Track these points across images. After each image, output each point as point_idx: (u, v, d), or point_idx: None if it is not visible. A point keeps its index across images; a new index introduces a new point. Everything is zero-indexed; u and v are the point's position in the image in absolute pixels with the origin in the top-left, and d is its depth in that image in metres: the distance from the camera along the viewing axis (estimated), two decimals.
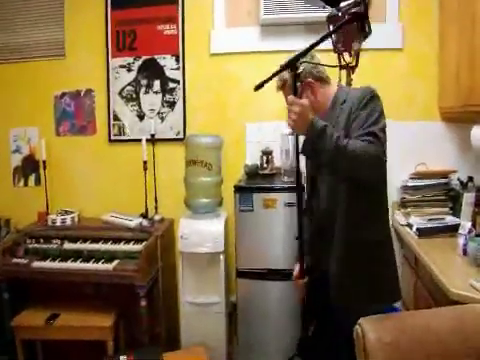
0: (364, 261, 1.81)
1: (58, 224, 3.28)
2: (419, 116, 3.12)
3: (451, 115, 3.00)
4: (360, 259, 1.81)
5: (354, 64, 2.30)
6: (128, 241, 3.09)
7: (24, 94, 3.53)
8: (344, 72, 2.40)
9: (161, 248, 3.09)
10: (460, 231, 2.37)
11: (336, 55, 2.36)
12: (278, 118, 3.16)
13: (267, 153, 3.11)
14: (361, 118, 1.70)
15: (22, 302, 3.07)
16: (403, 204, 3.00)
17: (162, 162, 3.38)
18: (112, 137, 3.46)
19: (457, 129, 3.07)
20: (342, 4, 2.21)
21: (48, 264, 2.94)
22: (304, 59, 1.78)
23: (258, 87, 1.74)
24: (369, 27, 2.28)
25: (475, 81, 2.42)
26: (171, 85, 3.34)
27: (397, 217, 3.03)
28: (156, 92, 3.37)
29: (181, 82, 3.32)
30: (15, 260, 2.99)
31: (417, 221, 2.75)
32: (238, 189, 2.84)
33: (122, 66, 3.38)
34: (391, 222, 3.05)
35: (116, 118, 3.43)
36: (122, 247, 3.04)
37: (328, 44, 2.30)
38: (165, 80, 3.34)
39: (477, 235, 2.31)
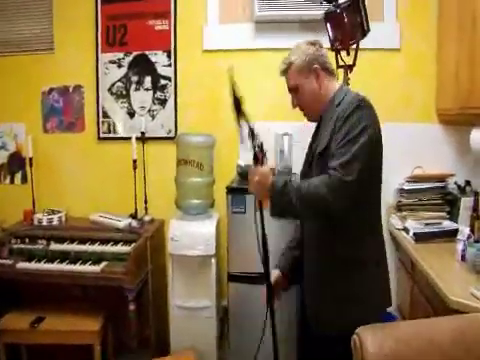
0: (335, 282, 1.74)
1: (44, 224, 3.19)
2: (416, 118, 3.06)
3: (449, 117, 2.93)
4: (330, 279, 1.75)
5: (352, 63, 2.24)
6: (116, 242, 3.01)
7: (11, 89, 3.43)
8: (341, 71, 2.34)
9: (151, 250, 3.02)
10: (459, 237, 2.32)
11: (333, 54, 2.30)
12: (272, 117, 3.10)
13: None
14: (340, 134, 1.62)
15: (6, 304, 2.99)
16: (399, 208, 2.93)
17: (152, 161, 3.30)
18: (101, 135, 3.37)
19: (455, 132, 3.02)
20: (340, 0, 2.14)
21: (33, 265, 2.86)
22: (312, 48, 1.77)
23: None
24: (368, 25, 2.22)
25: (475, 83, 2.36)
26: (162, 82, 3.25)
27: (393, 221, 2.97)
28: (147, 89, 3.28)
29: (173, 79, 3.24)
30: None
31: (413, 225, 2.69)
32: (230, 190, 2.76)
33: (112, 62, 3.28)
34: (386, 226, 3.03)
35: (105, 115, 3.34)
36: (110, 248, 2.96)
37: (325, 42, 2.24)
38: (156, 77, 3.25)
39: (476, 241, 2.25)
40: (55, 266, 2.84)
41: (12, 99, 3.43)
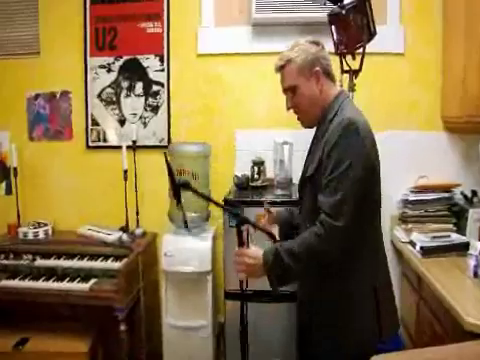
0: (329, 312, 1.64)
1: (30, 237, 3.04)
2: (420, 125, 2.95)
3: (455, 125, 2.82)
4: (324, 309, 1.65)
5: (358, 68, 2.10)
6: (106, 257, 2.86)
7: None
8: (346, 77, 2.20)
9: (143, 266, 2.87)
10: (470, 251, 2.20)
11: (337, 58, 2.16)
12: (270, 125, 2.97)
13: (258, 163, 2.88)
14: (328, 166, 1.51)
15: None
16: (403, 219, 2.83)
17: (144, 171, 3.13)
18: (90, 143, 3.20)
19: (461, 140, 2.91)
20: (346, 1, 2.00)
21: (17, 283, 2.71)
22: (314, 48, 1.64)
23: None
24: (374, 26, 2.09)
25: None
26: (155, 88, 3.09)
27: (397, 233, 2.86)
28: (138, 95, 3.12)
29: (165, 85, 3.08)
30: None
31: (420, 239, 2.58)
32: (228, 203, 2.60)
33: (101, 66, 3.11)
34: (390, 238, 2.94)
35: (95, 123, 3.17)
36: (99, 264, 2.81)
37: (328, 46, 2.10)
38: (148, 82, 3.09)
39: None
40: (41, 284, 2.69)
41: None
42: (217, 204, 1.75)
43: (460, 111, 2.57)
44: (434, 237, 2.56)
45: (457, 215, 2.70)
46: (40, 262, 2.84)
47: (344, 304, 1.60)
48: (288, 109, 1.72)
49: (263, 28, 2.90)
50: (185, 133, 3.10)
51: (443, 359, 1.45)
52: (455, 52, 2.66)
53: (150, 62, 3.07)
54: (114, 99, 3.14)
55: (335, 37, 2.04)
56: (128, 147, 3.04)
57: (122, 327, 2.64)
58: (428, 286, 2.16)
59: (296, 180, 2.61)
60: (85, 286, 2.64)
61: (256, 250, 1.59)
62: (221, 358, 2.90)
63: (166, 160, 1.74)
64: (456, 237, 2.56)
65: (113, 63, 3.10)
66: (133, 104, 3.13)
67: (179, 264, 2.70)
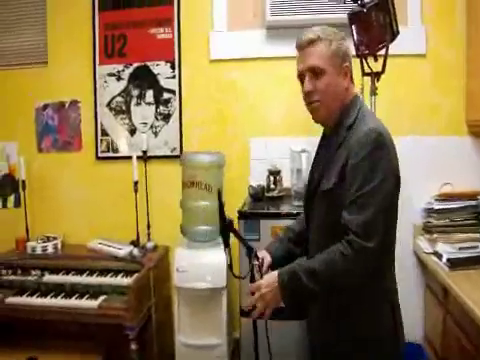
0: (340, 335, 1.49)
1: (38, 252, 2.95)
2: (444, 130, 2.81)
3: None
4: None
5: (381, 70, 1.96)
6: (117, 273, 2.75)
7: (2, 105, 3.19)
8: (367, 80, 2.07)
9: (154, 281, 2.76)
10: None
11: (358, 60, 2.03)
12: (287, 132, 2.84)
13: (275, 173, 2.75)
14: (357, 179, 1.34)
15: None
16: (428, 229, 2.70)
17: (156, 182, 3.02)
18: (100, 154, 3.11)
19: None
20: None
21: (24, 300, 2.62)
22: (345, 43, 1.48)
23: None
24: (397, 26, 1.95)
25: None
26: (166, 95, 2.99)
27: (421, 243, 2.71)
28: (149, 103, 3.01)
29: (177, 92, 2.97)
30: None
31: (446, 250, 2.43)
32: (243, 215, 2.48)
33: (111, 74, 3.02)
34: (412, 248, 2.82)
35: (104, 133, 3.07)
36: (109, 280, 2.71)
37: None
38: (159, 90, 2.99)
39: None
40: (48, 301, 2.59)
41: (3, 116, 3.20)
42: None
43: None
44: (461, 248, 2.41)
45: None
46: (48, 278, 2.76)
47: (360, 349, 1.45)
48: (306, 92, 1.47)
49: (278, 31, 2.78)
50: (198, 142, 2.99)
51: None
52: None
53: (161, 69, 2.97)
54: (124, 108, 3.04)
55: (355, 38, 1.91)
56: (139, 157, 2.94)
57: (133, 346, 2.52)
58: (455, 299, 2.04)
59: None
60: (94, 303, 2.53)
61: (270, 275, 1.46)
62: None
63: (219, 198, 1.59)
64: None
65: (123, 71, 3.01)
66: (143, 113, 3.02)
67: (192, 280, 2.56)
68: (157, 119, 3.01)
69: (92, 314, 2.52)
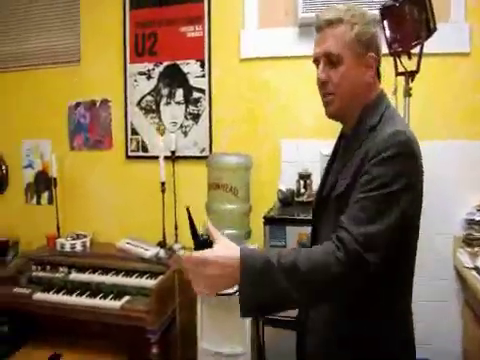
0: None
1: (67, 249, 2.96)
2: None
3: None
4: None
5: (415, 69, 1.81)
6: (142, 274, 2.73)
7: (37, 104, 3.24)
8: (401, 79, 1.91)
9: (179, 284, 2.69)
10: None
11: (391, 58, 1.88)
12: (319, 135, 2.70)
13: (305, 176, 2.62)
14: (371, 182, 1.10)
15: (25, 335, 2.81)
16: (469, 242, 2.51)
17: (184, 183, 2.96)
18: (130, 153, 3.08)
19: None
20: None
21: (51, 297, 2.65)
22: (375, 26, 1.24)
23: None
24: (434, 21, 1.79)
25: None
26: (195, 95, 2.92)
27: (461, 257, 2.52)
28: (178, 103, 2.95)
29: (207, 91, 2.89)
30: (16, 290, 2.73)
31: None
32: (268, 220, 2.37)
33: (141, 73, 2.99)
34: (452, 262, 2.62)
35: (134, 132, 3.05)
36: (134, 281, 2.69)
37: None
38: (189, 89, 2.92)
39: None
40: (73, 299, 2.60)
41: (38, 114, 3.24)
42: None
43: None
44: None
45: None
46: (74, 276, 2.78)
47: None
48: (320, 81, 1.25)
49: (311, 29, 2.61)
50: (227, 143, 2.90)
51: None
52: None
53: (191, 68, 2.90)
54: (154, 107, 3.00)
55: (388, 34, 1.76)
56: (167, 157, 2.89)
57: (154, 350, 2.48)
58: None
59: None
60: (116, 304, 2.52)
61: (226, 249, 1.07)
62: None
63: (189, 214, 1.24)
64: None
65: (153, 69, 2.97)
66: (173, 112, 2.97)
67: None
68: (187, 119, 2.95)
69: (114, 314, 2.51)
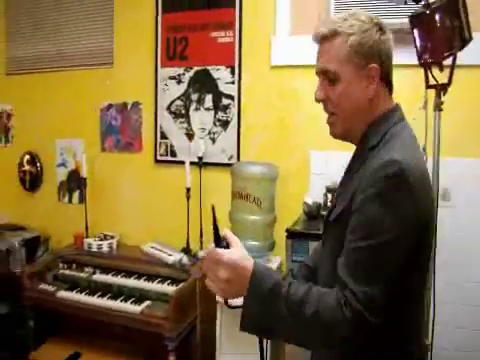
0: None
1: (94, 249, 2.99)
2: None
3: None
4: None
5: (447, 81, 1.69)
6: (165, 279, 2.71)
7: (71, 104, 3.30)
8: (432, 92, 1.79)
9: (201, 293, 2.65)
10: None
11: (422, 70, 1.77)
12: (349, 147, 2.57)
13: (332, 190, 2.52)
14: (359, 225, 1.02)
15: (49, 331, 2.87)
16: None
17: (210, 190, 2.92)
18: (158, 157, 3.07)
19: None
20: None
21: (73, 296, 2.69)
22: (377, 33, 1.11)
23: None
24: (469, 31, 1.66)
25: None
26: (225, 101, 2.86)
27: None
28: (208, 109, 2.91)
29: (236, 98, 2.83)
30: (42, 286, 2.78)
31: None
32: (291, 234, 2.30)
33: (172, 77, 2.97)
34: None
35: (163, 136, 3.04)
36: (155, 286, 2.67)
37: (410, 57, 1.72)
38: (218, 95, 2.87)
39: None
40: (94, 300, 2.62)
41: (72, 114, 3.29)
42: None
43: None
44: None
45: None
46: (98, 276, 2.81)
47: None
48: (317, 100, 1.18)
49: None
50: (256, 151, 2.83)
51: None
52: None
53: (221, 74, 2.85)
54: (183, 112, 2.97)
55: (418, 43, 1.64)
56: (194, 163, 2.87)
57: (172, 358, 2.45)
58: None
59: None
60: (136, 308, 2.51)
61: (242, 258, 1.04)
62: None
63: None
64: None
65: (183, 74, 2.94)
66: (202, 118, 2.93)
67: None
68: (215, 125, 2.90)
69: (134, 319, 2.49)
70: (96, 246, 2.98)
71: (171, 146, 3.03)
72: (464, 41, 1.58)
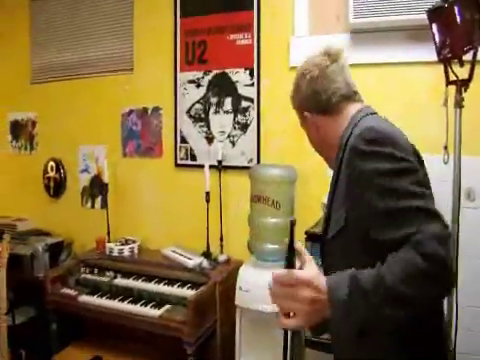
0: None
1: (115, 254, 3.01)
2: None
3: None
4: None
5: (467, 77, 1.63)
6: (184, 283, 2.70)
7: (94, 110, 3.34)
8: (452, 89, 1.73)
9: (221, 296, 2.62)
10: None
11: (441, 67, 1.71)
12: None
13: None
14: (372, 206, 1.01)
15: (72, 334, 2.91)
16: None
17: (230, 193, 2.90)
18: (179, 161, 3.07)
19: None
20: None
21: (94, 300, 2.70)
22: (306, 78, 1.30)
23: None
24: None
25: None
26: (244, 104, 2.84)
27: None
28: (227, 112, 2.90)
29: (255, 101, 2.81)
30: (64, 290, 2.82)
31: None
32: (310, 236, 2.25)
33: (191, 81, 2.97)
34: None
35: (183, 140, 3.04)
36: (175, 290, 2.67)
37: (428, 53, 1.66)
38: (237, 98, 2.86)
39: None
40: (115, 304, 2.64)
41: (95, 121, 3.34)
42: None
43: None
44: None
45: None
46: (119, 281, 2.82)
47: None
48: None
49: (363, 35, 2.46)
50: (276, 154, 2.80)
51: None
52: None
53: (240, 76, 2.83)
54: (203, 116, 2.97)
55: (437, 39, 1.59)
56: (214, 167, 2.85)
57: None
58: None
59: None
60: (156, 312, 2.51)
61: (314, 269, 1.01)
62: None
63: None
64: None
65: (202, 78, 2.94)
66: (222, 121, 2.92)
67: (254, 301, 2.39)
68: (235, 128, 2.88)
69: (153, 323, 2.49)
70: (117, 251, 3.00)
71: (191, 150, 3.02)
72: None
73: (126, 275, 2.84)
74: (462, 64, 1.57)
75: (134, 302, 2.62)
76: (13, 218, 3.56)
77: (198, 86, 2.96)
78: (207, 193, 2.82)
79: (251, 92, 2.82)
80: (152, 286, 2.70)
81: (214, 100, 2.92)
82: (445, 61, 1.62)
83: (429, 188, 1.09)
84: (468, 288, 2.08)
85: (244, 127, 2.86)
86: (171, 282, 2.71)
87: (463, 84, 1.61)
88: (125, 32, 3.18)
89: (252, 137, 2.84)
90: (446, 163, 1.76)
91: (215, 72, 2.90)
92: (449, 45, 1.55)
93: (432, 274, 0.89)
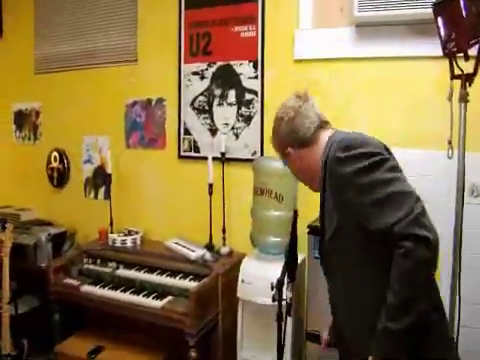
0: None
1: (118, 245, 3.03)
2: None
3: None
4: None
5: (472, 72, 1.62)
6: (187, 275, 2.71)
7: (98, 101, 3.34)
8: (457, 83, 1.72)
9: (224, 288, 2.63)
10: None
11: (446, 61, 1.70)
12: None
13: None
14: (356, 202, 1.24)
15: (75, 324, 2.92)
16: None
17: (233, 185, 2.90)
18: (182, 153, 3.07)
19: None
20: None
21: (97, 290, 2.72)
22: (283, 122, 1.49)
23: None
24: None
25: None
26: (248, 96, 2.83)
27: None
28: (231, 104, 2.89)
29: (259, 93, 2.80)
30: (66, 280, 2.83)
31: None
32: (313, 230, 2.26)
33: (195, 73, 2.97)
34: None
35: (187, 132, 3.03)
36: (177, 282, 2.68)
37: (433, 47, 1.65)
38: (241, 90, 2.85)
39: None
40: (117, 295, 2.65)
41: (98, 112, 3.34)
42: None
43: None
44: None
45: None
46: (121, 272, 2.84)
47: None
48: None
49: (367, 29, 2.44)
50: None
51: None
52: None
53: (244, 69, 2.82)
54: (206, 107, 2.96)
55: (442, 32, 1.58)
56: (217, 159, 2.85)
57: (193, 354, 2.44)
58: None
59: None
60: (158, 304, 2.52)
61: None
62: None
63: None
64: None
65: (206, 70, 2.93)
66: (225, 113, 2.91)
67: (256, 294, 2.40)
68: (238, 120, 2.88)
69: (155, 314, 2.50)
70: (120, 241, 3.01)
71: (194, 142, 3.02)
72: None
73: (128, 266, 2.85)
74: (467, 58, 1.56)
75: (136, 293, 2.62)
76: (16, 208, 3.59)
77: (202, 78, 2.95)
78: (210, 185, 2.82)
79: (255, 84, 2.81)
80: (154, 277, 2.72)
81: (218, 92, 2.92)
82: (450, 55, 1.61)
83: (400, 171, 1.28)
84: (471, 284, 2.09)
85: (248, 119, 2.85)
86: (173, 274, 2.72)
87: (468, 78, 1.61)
88: (129, 23, 3.17)
89: (256, 129, 2.84)
90: (450, 158, 1.75)
91: (219, 64, 2.89)
92: (454, 39, 1.54)
93: (420, 262, 1.12)
